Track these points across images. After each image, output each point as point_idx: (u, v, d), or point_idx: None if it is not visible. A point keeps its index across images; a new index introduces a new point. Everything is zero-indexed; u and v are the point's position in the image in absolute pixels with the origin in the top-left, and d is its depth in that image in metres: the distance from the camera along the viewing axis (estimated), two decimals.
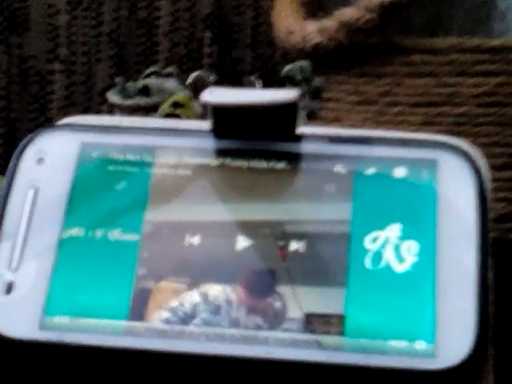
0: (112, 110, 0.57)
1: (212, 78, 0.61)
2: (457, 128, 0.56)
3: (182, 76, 0.62)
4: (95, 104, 0.78)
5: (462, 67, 0.56)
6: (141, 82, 0.55)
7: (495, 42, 0.55)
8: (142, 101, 0.53)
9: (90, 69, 0.78)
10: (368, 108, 0.58)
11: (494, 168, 0.56)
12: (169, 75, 0.60)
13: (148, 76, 0.59)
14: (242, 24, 0.79)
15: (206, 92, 0.34)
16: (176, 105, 0.48)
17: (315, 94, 0.51)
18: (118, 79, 0.55)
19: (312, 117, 0.50)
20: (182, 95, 0.49)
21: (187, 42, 0.78)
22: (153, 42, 0.78)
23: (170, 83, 0.58)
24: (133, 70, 0.78)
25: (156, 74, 0.60)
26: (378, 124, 0.57)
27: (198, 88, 0.56)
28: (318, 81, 0.51)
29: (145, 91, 0.55)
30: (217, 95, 0.34)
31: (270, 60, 0.79)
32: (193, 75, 0.60)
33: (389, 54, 0.57)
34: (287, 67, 0.49)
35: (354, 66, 0.57)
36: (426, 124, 0.56)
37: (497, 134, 0.56)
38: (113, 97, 0.52)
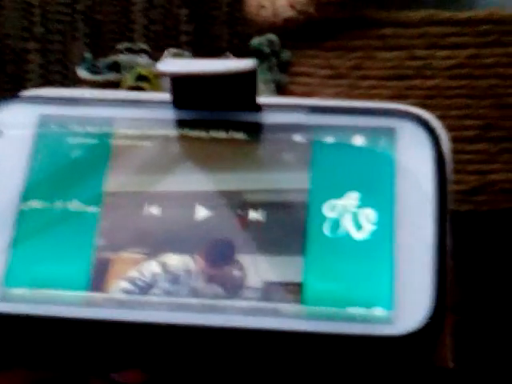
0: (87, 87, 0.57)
1: (187, 54, 0.60)
2: (428, 101, 0.56)
3: (155, 53, 0.62)
4: (71, 82, 0.77)
5: (433, 40, 0.56)
6: (111, 58, 0.55)
7: (464, 15, 0.55)
8: (111, 76, 0.53)
9: (66, 47, 0.78)
10: (340, 82, 0.57)
11: (465, 140, 0.56)
12: (141, 51, 0.59)
13: (120, 52, 0.59)
14: (218, 1, 0.78)
15: (162, 62, 0.34)
16: (141, 78, 0.48)
17: (283, 66, 0.51)
18: (86, 54, 0.54)
19: (280, 90, 0.50)
20: (146, 68, 0.49)
21: (163, 20, 0.78)
22: (129, 20, 0.78)
23: (142, 59, 0.58)
24: (109, 47, 0.77)
25: (129, 50, 0.59)
26: (350, 98, 0.57)
27: None
28: (286, 54, 0.51)
29: (115, 67, 0.55)
30: (174, 65, 0.34)
31: (247, 37, 0.79)
32: (167, 52, 0.60)
33: (360, 28, 0.57)
34: (255, 40, 0.49)
35: (326, 39, 0.57)
36: (397, 97, 0.56)
37: (468, 107, 0.56)
38: (82, 72, 0.52)
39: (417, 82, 0.56)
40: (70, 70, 0.78)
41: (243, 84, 0.34)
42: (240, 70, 0.33)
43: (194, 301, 0.32)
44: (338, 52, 0.57)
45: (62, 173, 0.34)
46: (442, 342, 0.32)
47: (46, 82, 0.78)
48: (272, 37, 0.49)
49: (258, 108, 0.35)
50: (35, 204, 0.34)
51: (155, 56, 0.61)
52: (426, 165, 0.33)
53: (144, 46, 0.60)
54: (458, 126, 0.56)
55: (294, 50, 0.58)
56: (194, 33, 0.78)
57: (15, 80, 0.78)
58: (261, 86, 0.35)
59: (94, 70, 0.53)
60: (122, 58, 0.56)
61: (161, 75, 0.34)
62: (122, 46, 0.60)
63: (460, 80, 0.56)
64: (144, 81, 0.48)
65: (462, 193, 0.56)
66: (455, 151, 0.35)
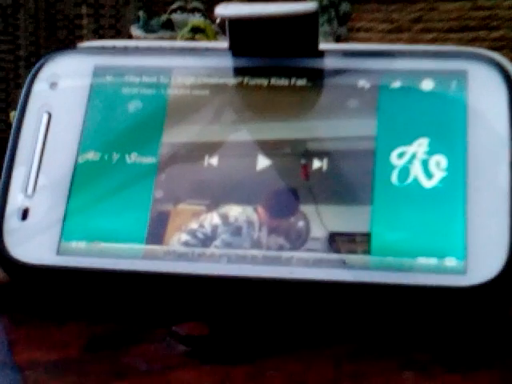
0: None
1: None
2: None
3: (209, 13, 0.61)
4: None
5: None
6: (165, 16, 0.53)
7: None
8: (165, 34, 0.51)
9: (118, 11, 0.77)
10: (400, 36, 0.55)
11: None
12: (194, 10, 0.58)
13: (173, 11, 0.58)
14: None
15: (220, 6, 0.32)
16: (196, 30, 0.47)
17: (343, 19, 0.49)
18: (140, 13, 0.53)
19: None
20: (201, 20, 0.48)
21: None
22: None
23: (196, 18, 0.56)
24: (162, 11, 0.76)
25: (182, 9, 0.58)
26: None
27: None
28: (345, 6, 0.49)
29: (169, 25, 0.54)
30: (232, 8, 0.32)
31: None
32: None
33: None
34: None
35: None
36: None
37: None
38: (136, 31, 0.51)
39: (481, 33, 0.54)
40: (123, 35, 0.77)
41: (304, 28, 0.33)
42: (301, 12, 0.32)
43: (256, 252, 0.31)
44: (397, 5, 0.55)
45: (119, 124, 0.33)
46: None
47: None
48: None
49: (321, 54, 0.34)
50: (92, 156, 0.33)
51: (209, 16, 0.60)
52: (501, 108, 0.31)
53: (197, 5, 0.59)
54: None
55: (353, 4, 0.56)
56: None
57: (68, 46, 0.77)
58: (319, 39, 0.33)
59: (147, 28, 0.52)
60: (176, 16, 0.55)
61: (219, 18, 0.32)
62: (175, 5, 0.59)
63: None
64: (199, 32, 0.46)
65: None
66: None
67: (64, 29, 0.76)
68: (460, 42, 0.54)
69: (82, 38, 0.77)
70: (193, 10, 0.58)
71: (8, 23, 0.76)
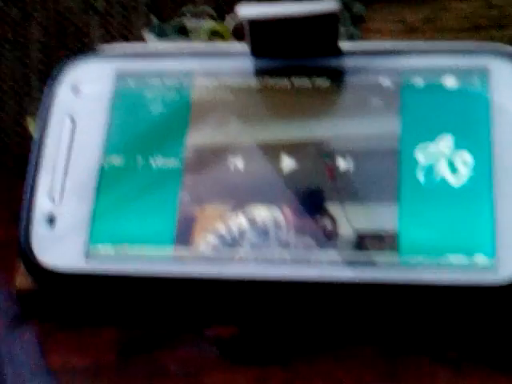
0: None
1: None
2: None
3: (218, 18, 0.61)
4: None
5: None
6: (177, 21, 0.53)
7: None
8: (179, 39, 0.51)
9: (127, 19, 0.77)
10: (413, 36, 0.55)
11: None
12: (205, 14, 0.58)
13: (183, 15, 0.58)
14: None
15: (241, 7, 0.32)
16: (214, 33, 0.47)
17: (356, 20, 0.49)
18: (154, 19, 0.53)
19: None
20: (220, 24, 0.48)
21: None
22: None
23: (208, 23, 0.56)
24: (171, 18, 0.76)
25: (191, 13, 0.58)
26: None
27: (241, 32, 0.55)
28: (358, 7, 0.49)
29: (182, 30, 0.54)
30: (253, 9, 0.32)
31: None
32: (230, 17, 0.58)
33: None
34: None
35: None
36: None
37: None
38: (149, 35, 0.51)
39: (494, 32, 0.54)
40: (131, 42, 0.77)
41: (325, 27, 0.33)
42: (323, 12, 0.32)
43: (284, 254, 0.31)
44: (410, 5, 0.55)
45: (142, 128, 0.33)
46: None
47: None
48: None
49: (341, 52, 0.33)
50: (117, 161, 0.33)
51: (219, 20, 0.59)
52: None
53: (209, 10, 0.59)
54: None
55: (365, 5, 0.56)
56: None
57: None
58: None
59: (160, 32, 0.52)
60: (188, 20, 0.55)
61: (240, 20, 0.32)
62: (185, 9, 0.59)
63: None
64: (217, 36, 0.46)
65: None
66: None
67: (73, 37, 0.76)
68: (473, 40, 0.54)
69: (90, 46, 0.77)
70: (203, 15, 0.58)
71: (19, 34, 0.76)
